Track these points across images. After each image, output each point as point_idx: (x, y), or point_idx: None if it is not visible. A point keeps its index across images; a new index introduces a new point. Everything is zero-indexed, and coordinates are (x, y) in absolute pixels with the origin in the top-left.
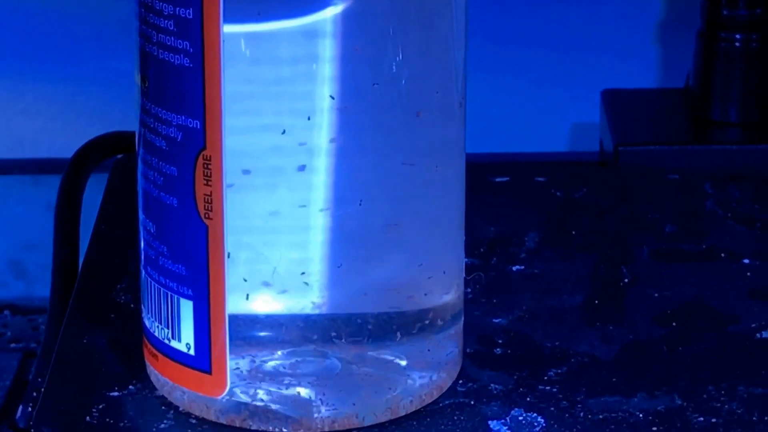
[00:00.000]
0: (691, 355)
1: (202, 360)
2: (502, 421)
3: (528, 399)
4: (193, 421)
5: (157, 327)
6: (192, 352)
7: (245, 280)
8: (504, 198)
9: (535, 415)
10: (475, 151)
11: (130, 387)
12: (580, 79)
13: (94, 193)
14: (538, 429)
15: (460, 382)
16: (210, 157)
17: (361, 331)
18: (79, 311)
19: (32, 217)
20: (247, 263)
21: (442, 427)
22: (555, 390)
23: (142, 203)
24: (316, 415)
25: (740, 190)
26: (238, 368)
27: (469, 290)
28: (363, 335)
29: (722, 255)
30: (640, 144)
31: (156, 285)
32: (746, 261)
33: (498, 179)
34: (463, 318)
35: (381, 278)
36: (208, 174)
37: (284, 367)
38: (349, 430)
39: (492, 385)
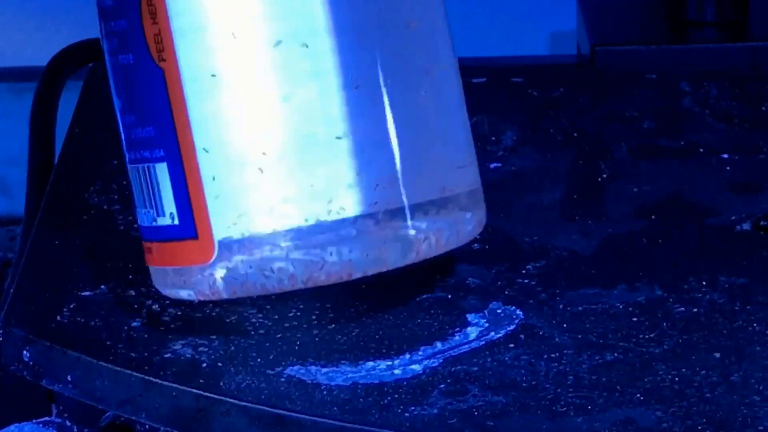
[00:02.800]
0: (671, 248)
1: (187, 226)
2: (480, 314)
3: (506, 292)
4: (166, 319)
5: (145, 213)
6: (176, 221)
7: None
8: (480, 98)
9: (513, 308)
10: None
11: (102, 287)
12: None
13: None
14: (516, 321)
15: (437, 277)
16: None
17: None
18: (52, 213)
19: (15, 133)
20: (242, 144)
21: (419, 321)
22: (533, 283)
23: (113, 85)
24: (321, 268)
25: (717, 88)
26: (229, 236)
27: None
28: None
29: (701, 150)
30: (617, 44)
31: (135, 168)
32: (725, 156)
33: (475, 80)
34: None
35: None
36: (153, 11)
37: (278, 231)
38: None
39: (470, 279)
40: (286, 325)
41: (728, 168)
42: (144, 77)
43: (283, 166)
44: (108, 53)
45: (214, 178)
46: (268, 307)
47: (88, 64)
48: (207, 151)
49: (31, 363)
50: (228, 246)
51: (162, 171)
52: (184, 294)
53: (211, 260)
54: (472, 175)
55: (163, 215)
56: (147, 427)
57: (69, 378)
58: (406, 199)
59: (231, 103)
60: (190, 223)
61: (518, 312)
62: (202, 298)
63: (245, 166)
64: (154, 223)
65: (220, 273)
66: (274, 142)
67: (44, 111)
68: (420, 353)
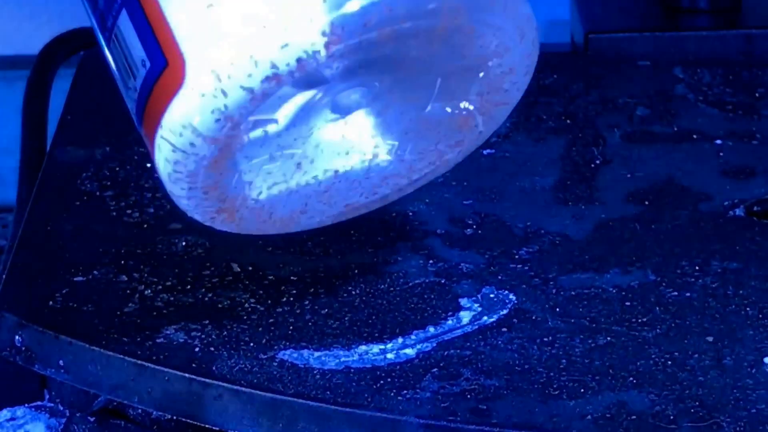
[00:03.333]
0: (664, 233)
1: (157, 59)
2: (474, 299)
3: (499, 277)
4: (159, 304)
5: (128, 93)
6: (148, 63)
7: None
8: None
9: (506, 292)
10: None
11: (95, 272)
12: None
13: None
14: (509, 306)
15: (431, 262)
16: None
17: None
18: (44, 199)
19: (7, 121)
20: None
21: (412, 305)
22: (527, 268)
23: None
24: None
25: (710, 75)
26: (196, 45)
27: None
28: None
29: (694, 136)
30: (611, 32)
31: (111, 45)
32: (718, 142)
33: None
34: None
35: None
36: None
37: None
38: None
39: (463, 264)
40: (279, 309)
41: (721, 154)
42: None
43: None
44: None
45: None
46: (261, 292)
47: (80, 51)
48: None
49: (23, 348)
50: (200, 55)
51: (125, 22)
52: (196, 146)
53: (185, 75)
54: None
55: (137, 68)
56: (139, 411)
57: (61, 363)
58: None
59: None
60: (159, 54)
61: (511, 296)
62: (208, 135)
63: None
64: (135, 94)
65: (202, 83)
66: None
67: (36, 99)
68: (413, 337)
